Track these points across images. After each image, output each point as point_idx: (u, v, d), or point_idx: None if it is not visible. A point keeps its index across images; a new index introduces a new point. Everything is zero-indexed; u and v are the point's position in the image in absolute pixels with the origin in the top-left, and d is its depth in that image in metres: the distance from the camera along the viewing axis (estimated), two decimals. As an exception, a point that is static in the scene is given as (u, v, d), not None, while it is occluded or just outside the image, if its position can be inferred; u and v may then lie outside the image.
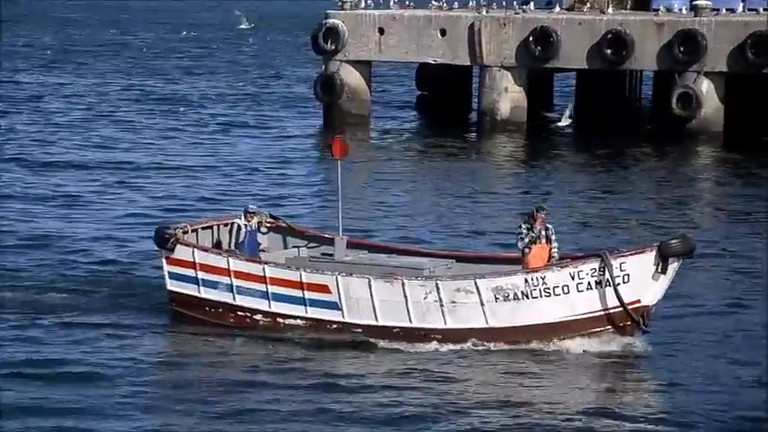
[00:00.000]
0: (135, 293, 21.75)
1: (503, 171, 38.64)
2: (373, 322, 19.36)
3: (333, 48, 46.03)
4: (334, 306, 19.52)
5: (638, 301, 18.84)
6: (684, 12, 44.22)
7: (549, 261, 19.23)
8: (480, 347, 18.93)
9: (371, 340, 19.14)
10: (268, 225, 21.23)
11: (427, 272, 19.48)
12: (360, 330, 19.39)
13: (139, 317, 20.62)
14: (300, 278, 19.62)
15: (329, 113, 46.85)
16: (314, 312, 19.63)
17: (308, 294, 19.62)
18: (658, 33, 42.55)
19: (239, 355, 18.90)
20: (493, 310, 18.95)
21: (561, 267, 18.94)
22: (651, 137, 44.89)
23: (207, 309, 20.30)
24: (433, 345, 19.02)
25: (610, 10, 45.59)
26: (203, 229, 21.11)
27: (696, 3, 43.67)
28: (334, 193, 32.16)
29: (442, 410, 16.57)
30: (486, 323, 19.02)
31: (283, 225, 21.53)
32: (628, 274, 18.74)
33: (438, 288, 19.02)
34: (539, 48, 43.65)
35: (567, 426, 16.09)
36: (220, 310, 20.21)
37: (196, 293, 20.32)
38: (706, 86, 41.88)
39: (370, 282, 19.27)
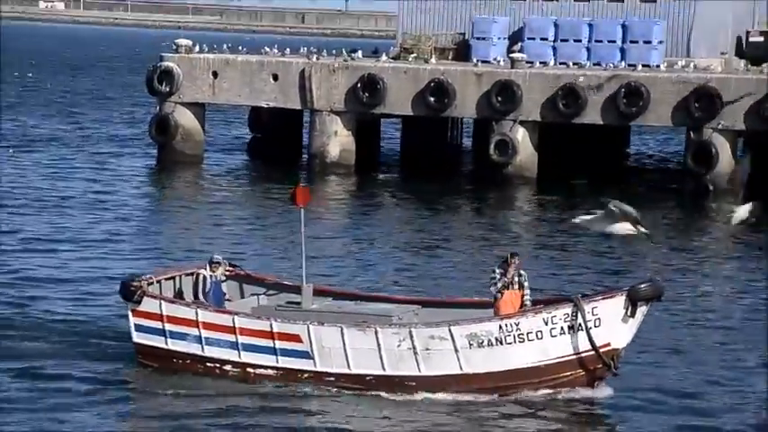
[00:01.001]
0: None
1: (331, 213, 39.24)
2: (346, 371, 19.14)
3: (167, 89, 46.30)
4: (305, 355, 19.24)
5: (609, 345, 18.82)
6: (502, 63, 45.70)
7: (521, 307, 19.16)
8: (454, 394, 18.81)
9: (344, 389, 19.06)
10: (227, 273, 20.87)
11: (396, 319, 19.29)
12: (332, 379, 19.18)
13: (105, 368, 20.25)
14: (271, 328, 19.34)
15: (163, 153, 47.06)
16: (285, 362, 19.35)
17: (279, 344, 19.33)
18: (478, 83, 43.90)
19: (210, 405, 18.73)
20: (467, 356, 18.80)
21: (535, 313, 18.88)
22: (472, 181, 46.11)
23: (175, 360, 19.97)
24: (407, 392, 18.87)
25: (433, 60, 46.81)
26: (166, 279, 20.74)
27: (512, 55, 45.26)
28: (161, 231, 32.96)
29: None
30: (461, 369, 18.86)
31: (242, 273, 21.31)
32: (599, 318, 18.75)
33: (412, 335, 18.82)
34: (366, 94, 44.64)
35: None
36: (188, 361, 19.90)
37: (163, 345, 19.98)
38: (521, 134, 43.29)
39: (342, 330, 19.02)
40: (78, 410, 18.27)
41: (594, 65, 45.56)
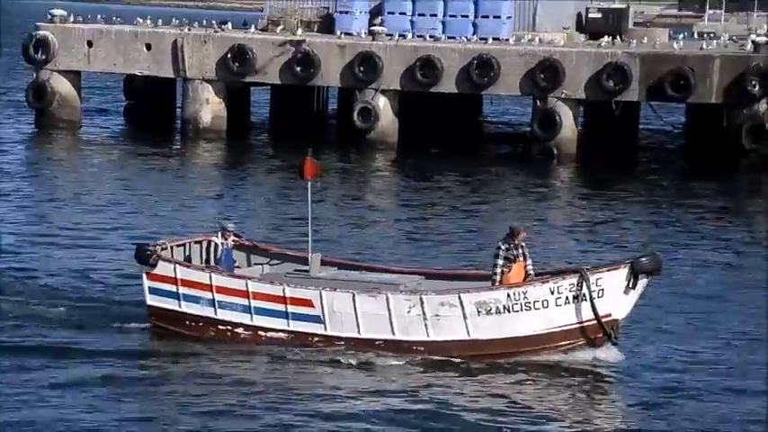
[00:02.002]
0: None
1: (206, 175, 40.15)
2: (356, 335, 18.98)
3: (43, 58, 46.78)
4: (316, 320, 19.15)
5: (610, 315, 18.69)
6: (363, 36, 46.97)
7: (525, 277, 19.01)
8: (461, 359, 18.68)
9: (354, 352, 18.92)
10: (233, 243, 20.76)
11: (403, 287, 19.20)
12: (342, 343, 19.04)
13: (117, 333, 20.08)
14: (284, 293, 19.22)
15: (41, 119, 47.55)
16: (296, 326, 19.22)
17: (291, 308, 19.21)
18: (341, 54, 45.18)
19: (221, 368, 18.53)
20: (475, 323, 18.66)
21: (542, 282, 18.73)
22: (337, 146, 47.19)
23: (187, 323, 19.80)
24: (415, 356, 18.73)
25: (299, 31, 47.85)
26: (177, 246, 20.56)
27: (373, 28, 46.57)
28: (42, 193, 33.47)
29: (418, 421, 16.46)
30: (468, 336, 18.73)
31: (247, 243, 21.16)
32: (603, 289, 18.60)
33: (422, 302, 18.73)
34: (236, 64, 45.64)
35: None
36: (201, 324, 19.73)
37: (177, 308, 19.82)
38: (382, 102, 44.62)
39: (354, 296, 18.90)
40: (91, 375, 17.98)
41: (449, 38, 47.02)
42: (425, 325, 18.76)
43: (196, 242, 20.82)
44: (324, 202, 33.90)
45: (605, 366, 18.85)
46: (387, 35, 45.97)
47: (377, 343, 18.90)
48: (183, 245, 20.70)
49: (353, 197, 36.23)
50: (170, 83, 49.25)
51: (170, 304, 19.84)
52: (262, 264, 20.85)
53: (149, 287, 19.96)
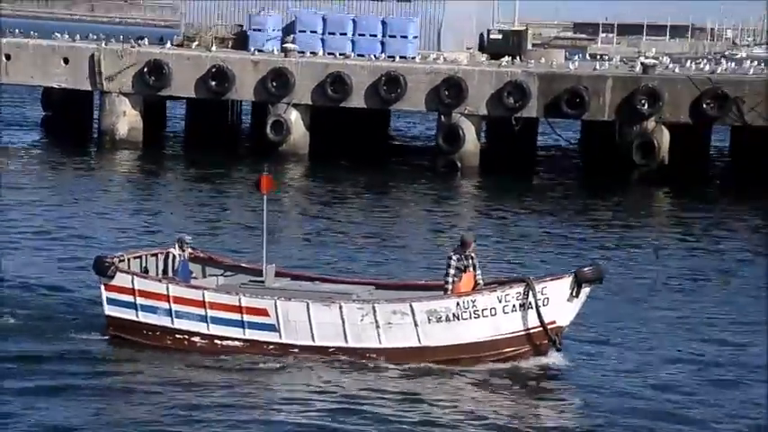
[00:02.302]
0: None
1: (122, 184, 39.82)
2: (310, 343, 18.95)
3: (-38, 71, 46.15)
4: (272, 328, 19.06)
5: (554, 322, 18.79)
6: (276, 53, 46.94)
7: (474, 286, 19.03)
8: (412, 366, 18.67)
9: (307, 360, 18.90)
10: (189, 255, 20.58)
11: (355, 296, 19.18)
12: (297, 350, 18.98)
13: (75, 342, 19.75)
14: (239, 302, 19.12)
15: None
16: (252, 334, 19.13)
17: (247, 317, 19.10)
18: (255, 70, 45.12)
19: (179, 376, 18.35)
20: (426, 330, 18.69)
21: (490, 291, 18.80)
22: (249, 157, 47.03)
23: (145, 332, 19.65)
24: (367, 362, 18.69)
25: (214, 48, 47.69)
26: (134, 258, 20.47)
27: (285, 46, 46.60)
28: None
29: (365, 424, 16.43)
30: (419, 342, 18.76)
31: (202, 255, 20.96)
32: (548, 298, 18.70)
33: (375, 310, 18.72)
34: (153, 78, 45.36)
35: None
36: (158, 333, 19.59)
37: (134, 318, 19.69)
38: (294, 116, 44.66)
39: (308, 305, 18.86)
40: (50, 383, 17.75)
41: (358, 56, 47.21)
42: (378, 333, 18.77)
43: (152, 254, 20.71)
44: (237, 207, 33.82)
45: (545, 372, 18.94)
46: (299, 52, 46.14)
47: (331, 350, 18.91)
48: (140, 257, 20.61)
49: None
50: (87, 95, 48.72)
51: (128, 314, 19.74)
52: (216, 275, 20.71)
53: (107, 297, 19.85)
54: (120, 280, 19.70)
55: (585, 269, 18.97)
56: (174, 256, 20.15)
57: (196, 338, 19.46)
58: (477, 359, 18.86)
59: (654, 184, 41.55)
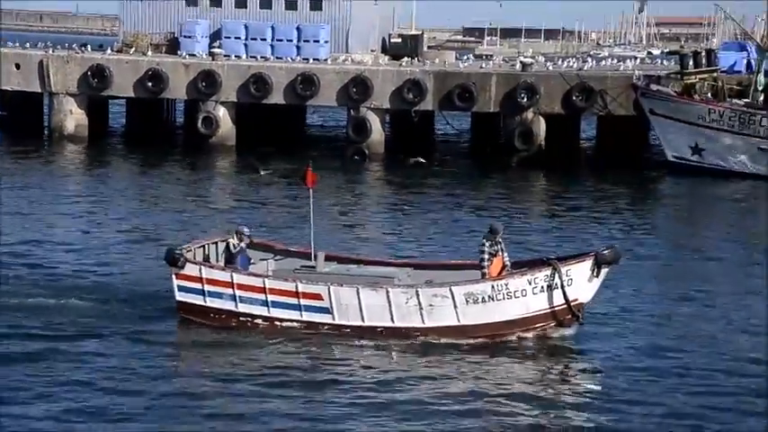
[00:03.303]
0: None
1: (70, 174, 39.24)
2: (360, 323, 18.66)
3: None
4: (326, 311, 18.80)
5: (577, 300, 18.59)
6: (205, 56, 46.58)
7: (503, 269, 18.85)
8: (451, 342, 18.36)
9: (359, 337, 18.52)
10: (246, 243, 20.07)
11: (396, 280, 18.93)
12: (348, 330, 18.67)
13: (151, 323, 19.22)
14: (296, 288, 18.82)
15: None
16: (308, 316, 18.84)
17: (303, 301, 18.82)
18: (186, 72, 44.70)
19: (245, 355, 17.85)
20: (464, 311, 18.49)
21: (522, 275, 18.58)
22: (183, 149, 46.66)
23: (212, 315, 19.19)
24: (413, 340, 18.40)
25: (149, 53, 47.11)
26: (197, 247, 20.04)
27: (213, 50, 46.21)
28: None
29: (419, 399, 16.04)
30: (458, 321, 18.53)
31: (254, 241, 20.38)
32: (571, 279, 18.46)
33: (418, 294, 18.51)
34: (96, 80, 44.69)
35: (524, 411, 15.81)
36: (224, 316, 19.15)
37: (202, 303, 19.23)
38: (222, 112, 44.40)
39: (358, 290, 18.63)
40: (128, 363, 17.28)
41: (277, 58, 47.08)
42: (421, 314, 18.52)
43: (213, 243, 20.32)
44: (176, 193, 33.65)
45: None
46: (225, 56, 45.79)
47: (379, 330, 18.60)
48: (202, 246, 20.19)
49: (198, 193, 35.99)
50: (38, 97, 47.84)
51: (197, 300, 19.26)
52: (266, 259, 20.08)
53: (178, 285, 19.34)
54: (190, 269, 19.23)
55: (605, 251, 18.64)
56: (234, 245, 19.66)
57: (258, 321, 19.04)
58: (509, 334, 18.63)
59: (533, 167, 42.17)
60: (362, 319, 18.67)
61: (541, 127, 43.19)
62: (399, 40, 53.14)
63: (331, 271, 19.42)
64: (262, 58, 46.84)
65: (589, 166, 44.59)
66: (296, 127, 52.20)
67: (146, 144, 46.17)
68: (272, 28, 48.56)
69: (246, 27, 48.60)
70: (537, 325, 18.70)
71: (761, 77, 40.79)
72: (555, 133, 43.61)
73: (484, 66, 47.75)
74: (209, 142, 44.01)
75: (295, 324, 18.88)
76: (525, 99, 42.81)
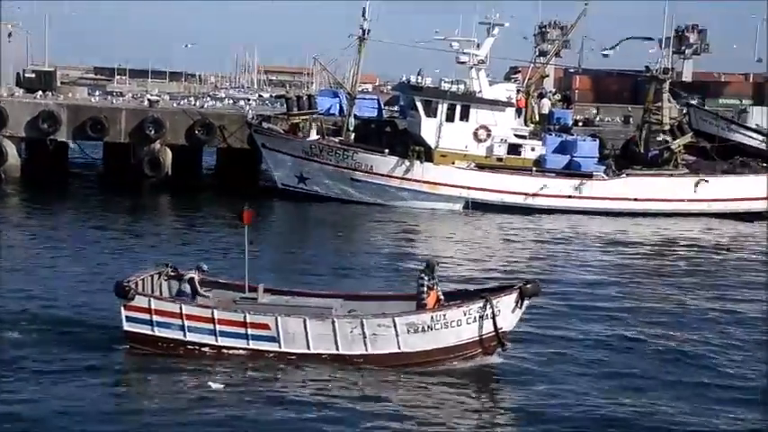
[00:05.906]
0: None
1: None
2: (306, 351, 19.00)
3: None
4: (272, 340, 19.07)
5: (502, 328, 19.46)
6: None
7: (437, 301, 19.63)
8: (391, 367, 18.94)
9: (304, 365, 18.87)
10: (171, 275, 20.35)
11: (333, 311, 19.36)
12: (294, 358, 18.98)
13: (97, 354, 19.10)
14: (245, 318, 19.01)
15: None
16: (255, 345, 19.09)
17: (251, 331, 19.00)
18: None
19: (192, 382, 18.09)
20: (405, 339, 19.13)
21: (458, 307, 19.37)
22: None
23: (160, 344, 19.24)
24: (355, 366, 18.86)
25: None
26: (141, 280, 19.97)
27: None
28: None
29: (351, 418, 16.66)
30: (399, 349, 19.14)
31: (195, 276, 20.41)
32: (500, 309, 19.34)
33: (362, 324, 18.99)
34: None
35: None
36: (172, 345, 19.23)
37: (150, 332, 19.25)
38: (9, 145, 44.38)
39: (305, 320, 18.96)
40: (76, 390, 17.48)
41: None
42: (365, 342, 19.14)
43: (158, 275, 20.62)
44: None
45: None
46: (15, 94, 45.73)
47: (324, 357, 19.12)
48: (151, 277, 20.47)
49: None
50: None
51: (145, 330, 19.44)
52: (209, 291, 20.45)
53: (126, 316, 19.48)
54: (139, 301, 19.37)
55: (528, 285, 19.59)
56: (190, 278, 20.11)
57: (206, 349, 19.26)
58: (444, 360, 19.47)
59: (161, 191, 44.71)
60: (308, 347, 19.18)
61: (168, 156, 46.20)
62: (33, 75, 54.49)
63: (270, 302, 19.90)
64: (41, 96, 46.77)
65: (210, 191, 47.06)
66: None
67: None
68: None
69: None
70: (467, 352, 19.61)
71: (351, 120, 46.48)
72: (180, 162, 46.68)
73: (114, 101, 50.41)
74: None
75: (242, 352, 19.20)
76: (153, 131, 45.68)
